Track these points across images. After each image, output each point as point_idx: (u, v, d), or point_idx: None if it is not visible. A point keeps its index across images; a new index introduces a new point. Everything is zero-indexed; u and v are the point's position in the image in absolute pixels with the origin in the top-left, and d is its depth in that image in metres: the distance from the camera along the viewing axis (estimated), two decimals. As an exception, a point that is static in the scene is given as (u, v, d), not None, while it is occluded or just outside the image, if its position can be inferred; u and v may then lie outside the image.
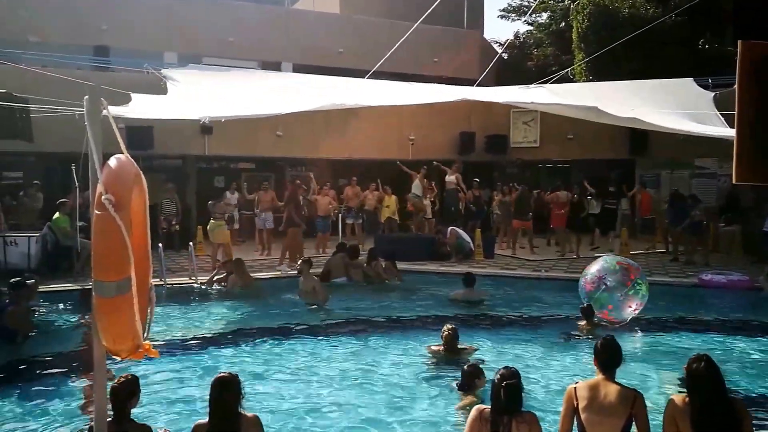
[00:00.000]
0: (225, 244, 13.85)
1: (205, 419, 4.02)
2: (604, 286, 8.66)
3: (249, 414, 4.05)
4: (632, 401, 3.99)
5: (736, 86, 3.29)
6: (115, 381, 4.41)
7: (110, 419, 4.00)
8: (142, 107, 10.35)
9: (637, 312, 8.79)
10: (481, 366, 6.29)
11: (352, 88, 11.65)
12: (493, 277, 12.93)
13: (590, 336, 8.41)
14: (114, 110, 3.78)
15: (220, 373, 4.12)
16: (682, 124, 10.93)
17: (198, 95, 10.59)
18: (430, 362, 7.58)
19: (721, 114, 11.11)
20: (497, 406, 4.04)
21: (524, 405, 4.15)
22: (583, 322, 8.89)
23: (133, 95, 10.78)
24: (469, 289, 10.69)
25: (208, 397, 3.99)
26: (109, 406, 3.95)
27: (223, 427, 3.93)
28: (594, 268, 8.98)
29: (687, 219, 14.78)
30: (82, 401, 6.21)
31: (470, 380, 6.09)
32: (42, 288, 10.14)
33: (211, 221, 13.90)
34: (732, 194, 16.87)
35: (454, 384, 6.36)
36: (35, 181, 15.32)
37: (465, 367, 6.28)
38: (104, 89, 3.78)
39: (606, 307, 8.73)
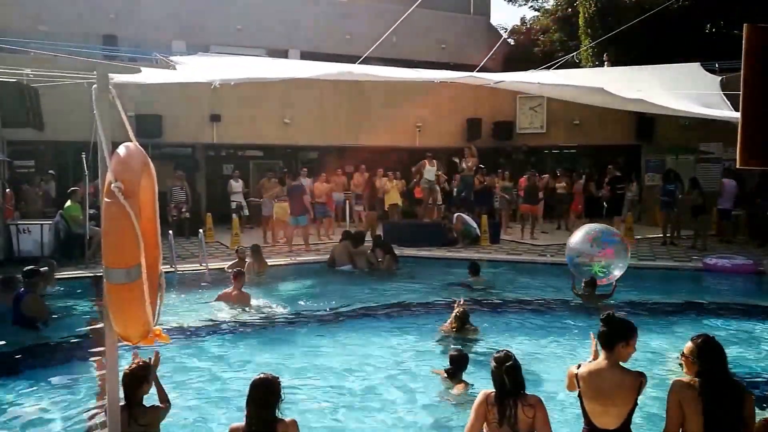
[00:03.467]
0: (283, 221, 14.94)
1: (240, 422, 3.90)
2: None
3: (287, 419, 3.90)
4: (637, 388, 3.85)
5: (742, 69, 3.23)
6: (128, 367, 4.48)
7: (121, 404, 4.07)
8: (151, 75, 10.46)
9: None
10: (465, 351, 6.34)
11: (357, 73, 11.72)
12: (499, 263, 13.05)
13: (592, 305, 9.01)
14: (123, 78, 3.81)
15: (260, 374, 3.96)
16: (688, 106, 10.91)
17: (206, 71, 10.70)
18: (441, 341, 7.77)
19: (728, 99, 11.08)
20: (502, 390, 4.05)
21: (529, 388, 4.15)
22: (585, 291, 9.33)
23: (143, 68, 10.90)
24: (476, 276, 10.86)
25: (245, 398, 3.87)
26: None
27: (260, 431, 3.80)
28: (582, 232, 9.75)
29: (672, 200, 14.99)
30: (98, 384, 6.37)
31: (460, 365, 6.07)
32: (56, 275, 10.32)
33: (278, 204, 14.88)
34: (737, 178, 16.83)
35: (443, 373, 6.24)
36: (50, 171, 15.51)
37: (452, 353, 6.22)
38: (113, 65, 3.83)
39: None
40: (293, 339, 8.17)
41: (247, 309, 9.27)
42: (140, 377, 4.45)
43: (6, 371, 6.78)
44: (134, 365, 4.50)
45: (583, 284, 9.43)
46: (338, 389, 6.42)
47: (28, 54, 14.94)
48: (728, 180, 15.63)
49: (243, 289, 9.42)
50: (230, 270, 11.72)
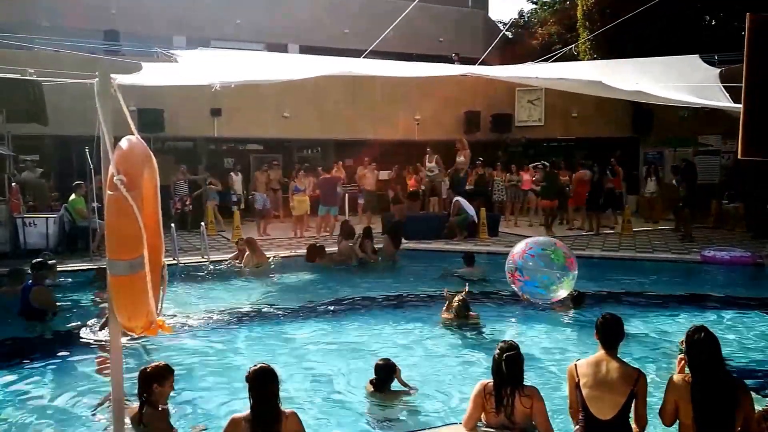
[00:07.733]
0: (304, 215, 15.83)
1: (241, 413, 3.85)
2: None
3: (287, 410, 3.85)
4: (635, 379, 3.88)
5: (744, 60, 3.23)
6: (148, 367, 4.46)
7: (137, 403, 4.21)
8: (152, 75, 10.50)
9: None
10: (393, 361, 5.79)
11: (355, 67, 11.79)
12: (496, 255, 13.08)
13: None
14: (124, 78, 3.86)
15: (259, 364, 3.86)
16: (686, 97, 10.95)
17: (208, 67, 10.74)
18: (442, 328, 7.92)
19: (726, 90, 11.10)
20: (500, 379, 4.11)
21: (525, 379, 4.21)
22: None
23: (144, 64, 10.94)
24: (470, 267, 10.93)
25: (248, 389, 3.81)
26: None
27: (264, 421, 3.73)
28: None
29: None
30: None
31: (388, 375, 5.62)
32: (61, 267, 10.46)
33: (296, 197, 15.68)
34: (735, 171, 16.91)
35: (369, 385, 5.75)
36: (29, 158, 15.56)
37: (378, 362, 5.69)
38: (115, 61, 3.88)
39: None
40: (293, 332, 8.21)
41: None
42: (154, 377, 4.39)
43: (15, 361, 6.86)
44: (154, 365, 4.47)
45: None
46: (335, 382, 6.41)
47: (30, 50, 15.05)
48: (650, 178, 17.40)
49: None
50: (234, 258, 11.91)
